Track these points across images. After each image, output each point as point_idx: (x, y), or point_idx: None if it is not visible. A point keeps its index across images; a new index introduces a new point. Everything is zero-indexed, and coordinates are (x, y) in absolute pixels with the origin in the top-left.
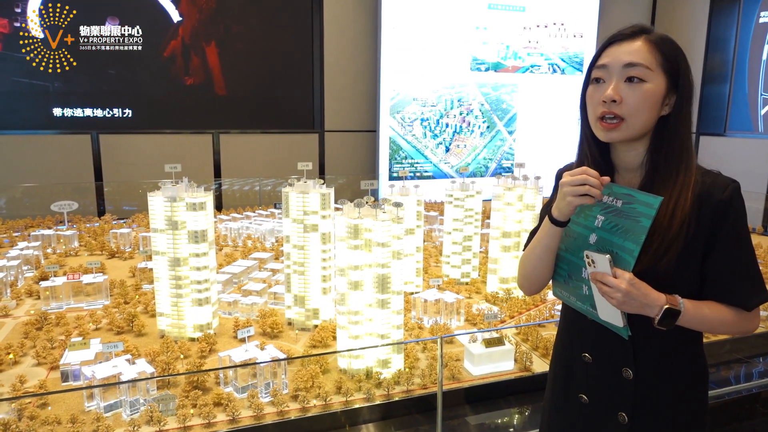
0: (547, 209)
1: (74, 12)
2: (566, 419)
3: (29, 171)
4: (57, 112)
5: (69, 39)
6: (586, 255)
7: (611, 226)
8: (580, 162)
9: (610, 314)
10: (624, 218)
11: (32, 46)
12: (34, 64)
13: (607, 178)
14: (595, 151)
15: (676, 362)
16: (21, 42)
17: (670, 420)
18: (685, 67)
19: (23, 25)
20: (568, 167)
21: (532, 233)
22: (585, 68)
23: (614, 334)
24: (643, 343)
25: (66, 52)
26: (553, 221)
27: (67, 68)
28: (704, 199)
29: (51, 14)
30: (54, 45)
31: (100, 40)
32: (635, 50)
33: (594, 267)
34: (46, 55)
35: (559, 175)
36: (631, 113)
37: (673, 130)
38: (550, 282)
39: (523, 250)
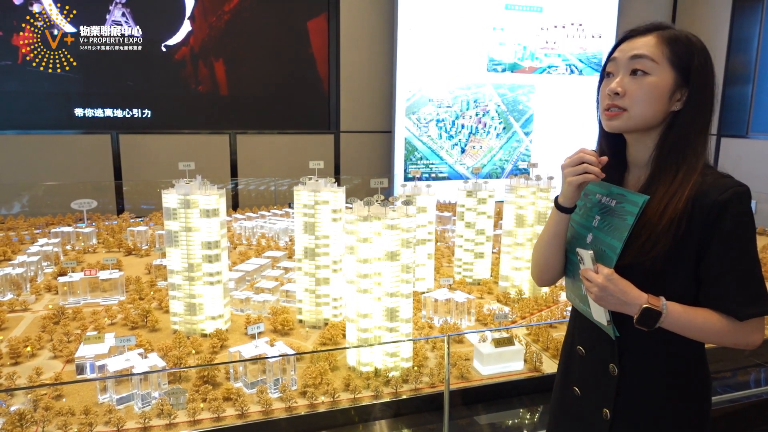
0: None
1: (74, 11)
2: (563, 410)
3: (51, 170)
4: (78, 112)
5: (82, 39)
6: (577, 252)
7: (604, 225)
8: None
9: (599, 313)
10: (614, 217)
11: (48, 49)
12: (58, 67)
13: (605, 158)
14: (607, 147)
15: (667, 364)
16: (41, 44)
17: (654, 422)
18: (700, 65)
19: (44, 24)
20: None
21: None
22: None
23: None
24: (631, 341)
25: (84, 53)
26: (558, 207)
27: (88, 68)
28: (699, 199)
29: (64, 15)
30: (54, 45)
31: (118, 40)
32: (643, 44)
33: (582, 264)
34: (63, 56)
35: None
36: (632, 105)
37: (678, 127)
38: (562, 281)
39: None
